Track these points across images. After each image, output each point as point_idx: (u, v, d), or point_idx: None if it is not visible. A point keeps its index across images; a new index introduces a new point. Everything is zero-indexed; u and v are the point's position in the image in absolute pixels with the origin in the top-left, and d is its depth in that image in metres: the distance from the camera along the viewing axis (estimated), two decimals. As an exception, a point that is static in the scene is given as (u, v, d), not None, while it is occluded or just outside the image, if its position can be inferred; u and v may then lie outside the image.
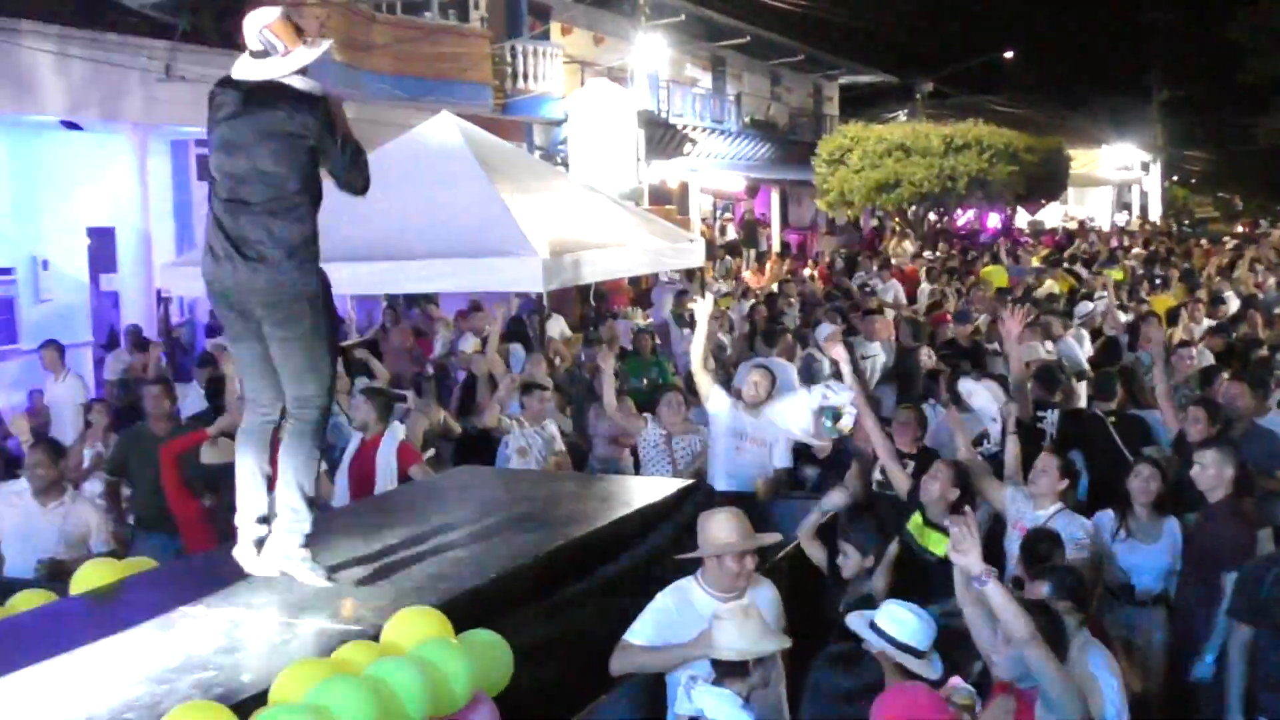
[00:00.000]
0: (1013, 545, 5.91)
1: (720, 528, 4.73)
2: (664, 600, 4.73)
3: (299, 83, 4.31)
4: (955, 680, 4.15)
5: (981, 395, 6.93)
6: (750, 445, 7.38)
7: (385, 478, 7.44)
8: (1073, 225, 40.95)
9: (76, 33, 13.79)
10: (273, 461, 4.53)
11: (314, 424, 4.49)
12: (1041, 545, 5.45)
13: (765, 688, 4.33)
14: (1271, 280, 17.78)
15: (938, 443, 7.46)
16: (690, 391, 8.13)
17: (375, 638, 3.81)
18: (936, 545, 5.75)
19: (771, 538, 5.03)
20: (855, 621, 4.50)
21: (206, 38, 15.82)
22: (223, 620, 4.15)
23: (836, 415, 6.68)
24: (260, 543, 4.49)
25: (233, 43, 16.31)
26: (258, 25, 4.24)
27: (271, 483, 4.52)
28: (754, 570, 4.77)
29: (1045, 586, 4.79)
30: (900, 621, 4.41)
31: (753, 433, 7.40)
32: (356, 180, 4.47)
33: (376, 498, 6.97)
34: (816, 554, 5.96)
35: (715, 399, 7.47)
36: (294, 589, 4.38)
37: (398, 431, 7.75)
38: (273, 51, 4.25)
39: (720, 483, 7.05)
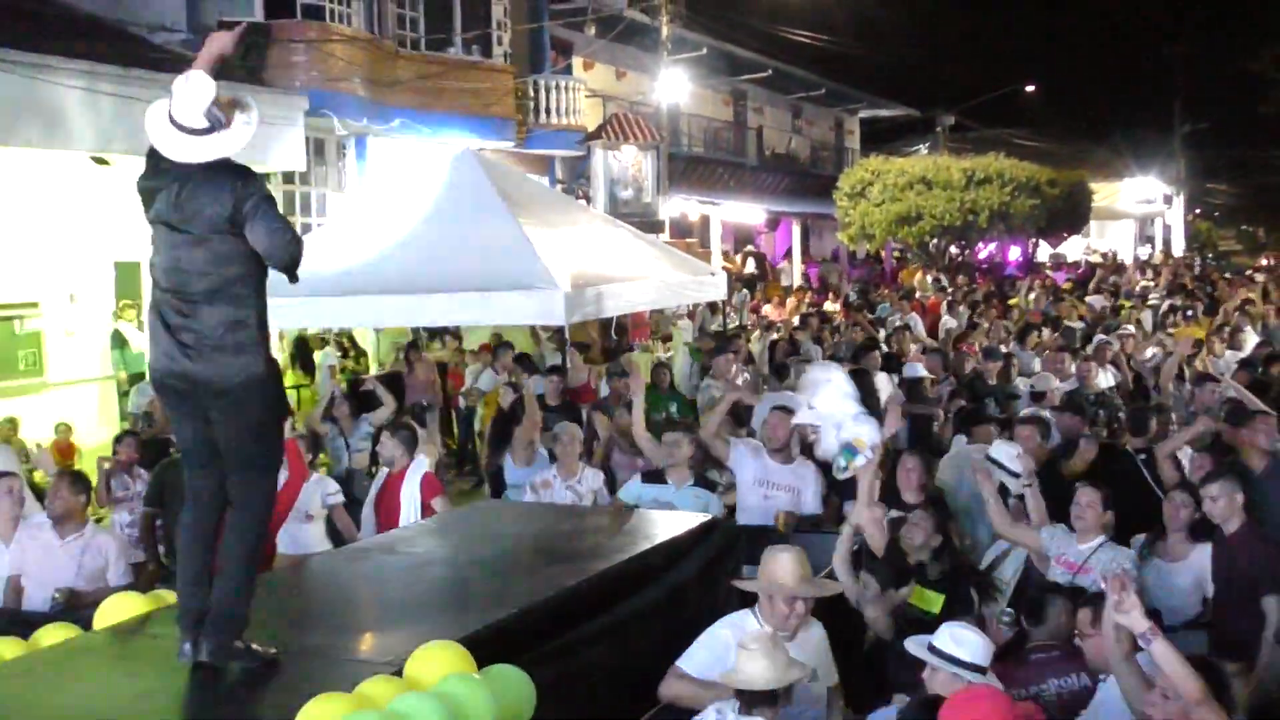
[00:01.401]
0: (1057, 578, 5.94)
1: (779, 567, 4.77)
2: (720, 630, 4.78)
3: (234, 158, 4.01)
4: None
5: (1001, 449, 6.93)
6: (778, 492, 7.29)
7: (410, 510, 7.48)
8: (1096, 259, 40.82)
9: (104, 69, 13.95)
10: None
11: (259, 513, 4.21)
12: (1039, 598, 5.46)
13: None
14: None
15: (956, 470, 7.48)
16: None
17: (398, 672, 3.81)
18: (934, 603, 5.72)
19: (832, 587, 5.06)
20: (913, 645, 4.46)
21: (233, 74, 16.03)
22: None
23: (853, 453, 6.53)
24: (196, 643, 4.08)
25: (257, 78, 16.55)
26: (205, 101, 3.91)
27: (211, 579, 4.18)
28: (805, 613, 4.79)
29: (1090, 614, 4.81)
30: (963, 641, 4.35)
31: (778, 480, 7.31)
32: (288, 253, 4.04)
33: (400, 531, 6.97)
34: (845, 577, 5.86)
35: (736, 456, 7.39)
36: (316, 622, 4.38)
37: (422, 464, 7.79)
38: (219, 126, 3.94)
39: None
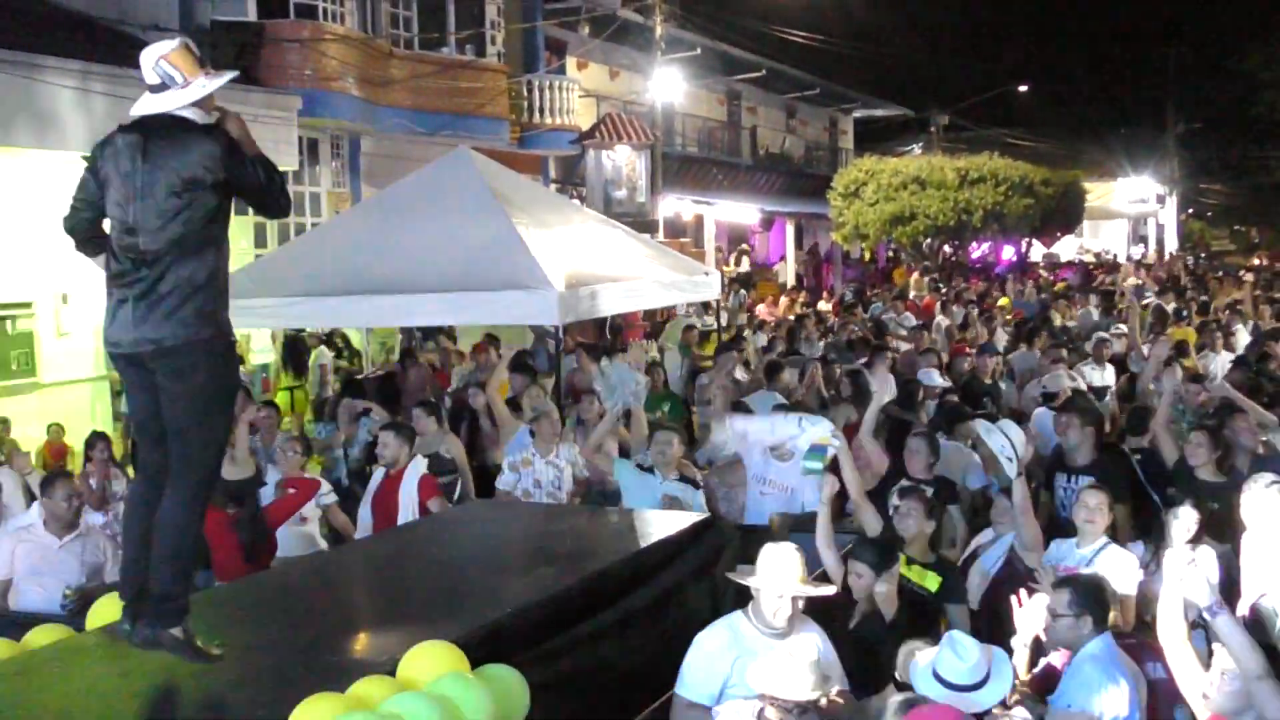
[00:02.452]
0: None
1: (774, 563, 4.77)
2: (710, 639, 4.75)
3: (195, 115, 4.00)
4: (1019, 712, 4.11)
5: (998, 436, 6.89)
6: (774, 490, 7.39)
7: (407, 510, 7.49)
8: (1090, 258, 40.90)
9: (97, 68, 13.92)
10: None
11: (196, 489, 4.07)
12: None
13: None
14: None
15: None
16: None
17: (392, 672, 3.80)
18: (931, 581, 5.77)
19: (825, 590, 5.06)
20: (915, 674, 4.38)
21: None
22: (239, 653, 4.15)
23: (820, 450, 6.62)
24: (134, 621, 4.06)
25: (252, 78, 16.52)
26: (154, 56, 3.96)
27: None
28: (798, 612, 4.80)
29: (1064, 593, 4.77)
30: (954, 670, 4.24)
31: (777, 478, 7.40)
32: (273, 203, 4.14)
33: (395, 530, 6.97)
34: (831, 562, 5.85)
35: (746, 450, 7.56)
36: (310, 622, 4.37)
37: (420, 464, 7.78)
38: (171, 84, 3.96)
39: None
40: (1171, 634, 4.41)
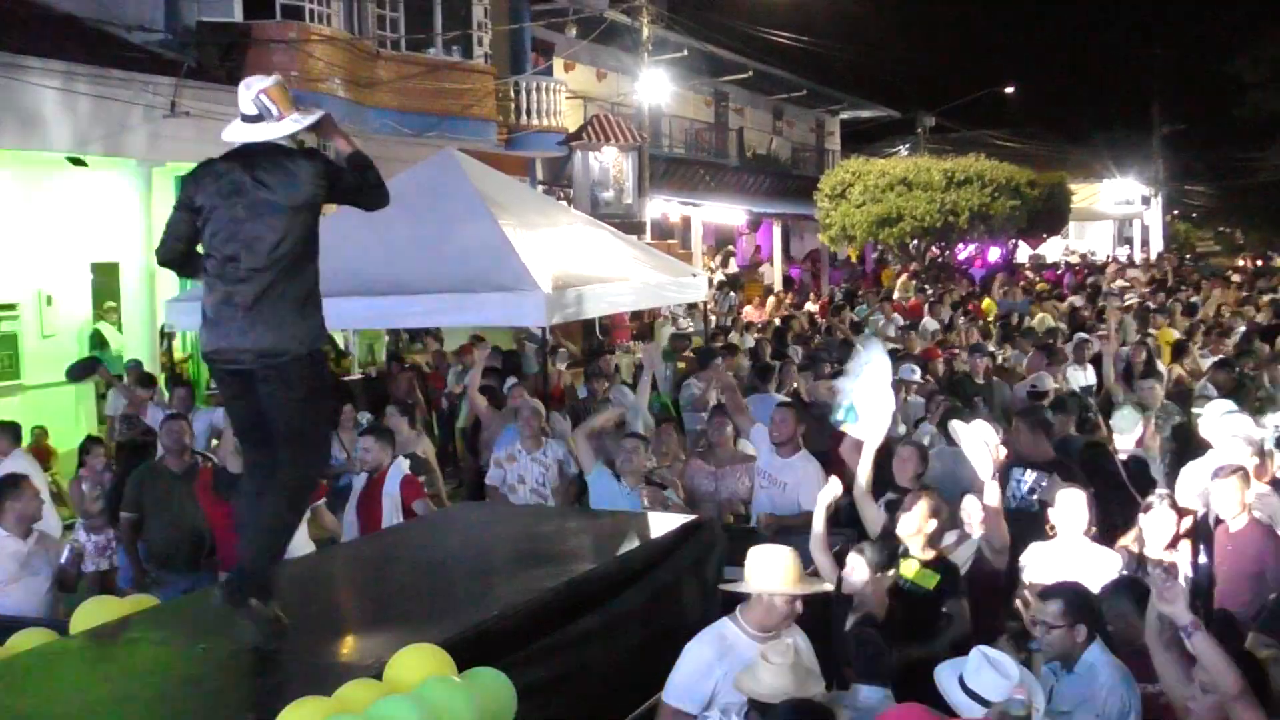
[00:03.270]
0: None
1: (774, 566, 4.74)
2: (699, 649, 4.73)
3: (290, 142, 4.38)
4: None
5: (971, 435, 6.89)
6: (770, 485, 7.53)
7: (391, 512, 7.48)
8: (1075, 259, 41.01)
9: (82, 69, 13.86)
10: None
11: (297, 490, 4.45)
12: None
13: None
14: None
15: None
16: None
17: (378, 675, 3.78)
18: (929, 580, 5.75)
19: (821, 585, 5.07)
20: (947, 683, 4.30)
21: (211, 74, 15.92)
22: (225, 657, 4.13)
23: (855, 415, 6.61)
24: (226, 584, 4.41)
25: (237, 79, 16.48)
26: (255, 89, 4.29)
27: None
28: (793, 613, 4.80)
29: (1054, 605, 4.76)
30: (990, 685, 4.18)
31: (776, 473, 7.52)
32: (376, 198, 4.55)
33: (381, 533, 6.96)
34: (824, 562, 5.87)
35: (754, 434, 7.91)
36: (296, 626, 4.35)
37: (402, 465, 7.79)
38: (267, 116, 4.29)
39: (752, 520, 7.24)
40: (1154, 643, 4.40)
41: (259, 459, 4.44)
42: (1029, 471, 7.18)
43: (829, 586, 5.27)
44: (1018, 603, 5.14)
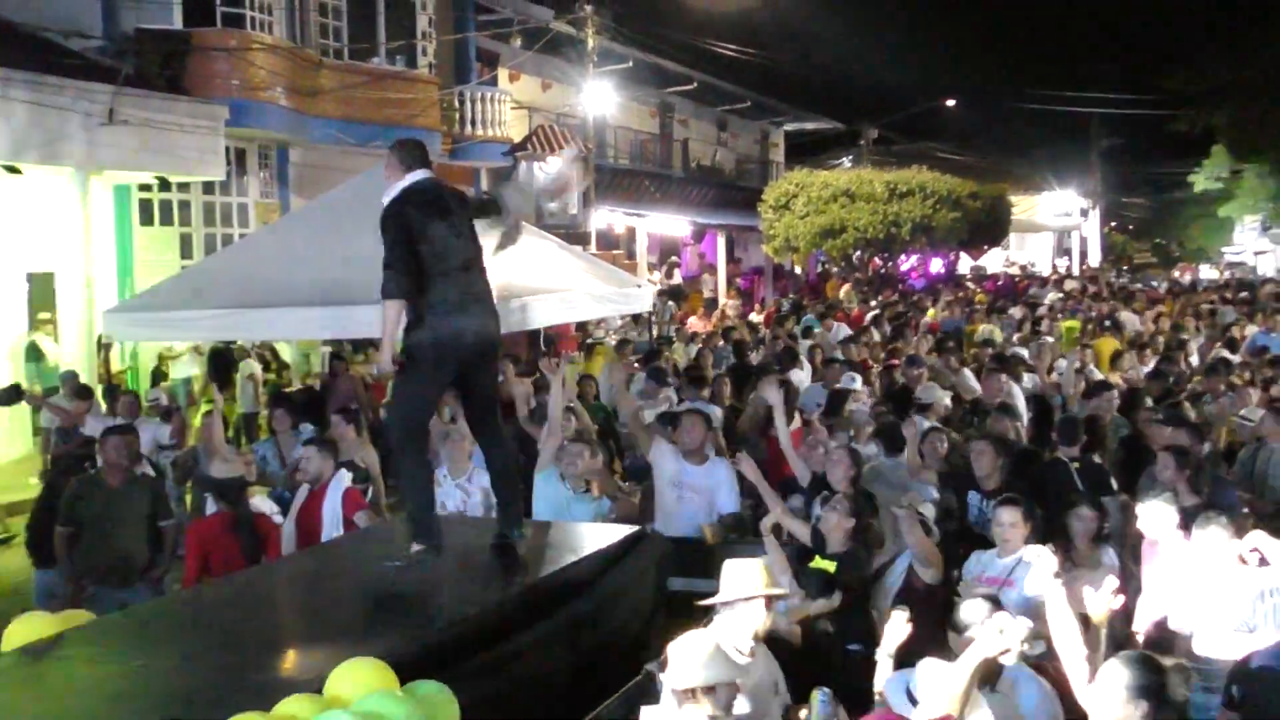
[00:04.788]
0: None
1: (748, 576, 4.77)
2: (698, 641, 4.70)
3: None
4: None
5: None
6: (689, 494, 7.45)
7: (332, 525, 7.37)
8: (1015, 271, 41.54)
9: (18, 75, 13.65)
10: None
11: (510, 439, 6.20)
12: None
13: (728, 714, 4.28)
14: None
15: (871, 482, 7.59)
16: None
17: (319, 690, 3.74)
18: (829, 565, 6.02)
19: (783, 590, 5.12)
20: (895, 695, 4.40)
21: (150, 82, 15.72)
22: (162, 673, 4.07)
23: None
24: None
25: (177, 87, 16.28)
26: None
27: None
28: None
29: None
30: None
31: (692, 481, 7.46)
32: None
33: (322, 545, 6.88)
34: (789, 581, 5.92)
35: (656, 453, 7.63)
36: (235, 640, 4.29)
37: (344, 478, 7.67)
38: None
39: (665, 531, 7.05)
40: (1066, 650, 4.43)
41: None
42: (980, 497, 7.38)
43: (785, 591, 5.32)
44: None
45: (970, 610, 4.80)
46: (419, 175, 5.48)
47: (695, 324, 23.56)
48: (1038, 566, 5.88)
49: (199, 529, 7.43)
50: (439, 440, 8.47)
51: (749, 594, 4.74)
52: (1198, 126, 35.78)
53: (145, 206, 17.52)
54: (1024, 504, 6.30)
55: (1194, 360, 14.36)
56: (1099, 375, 12.34)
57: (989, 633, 3.82)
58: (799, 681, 4.83)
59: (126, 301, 13.82)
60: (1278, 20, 34.55)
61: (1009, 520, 6.18)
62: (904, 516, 6.08)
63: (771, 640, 5.08)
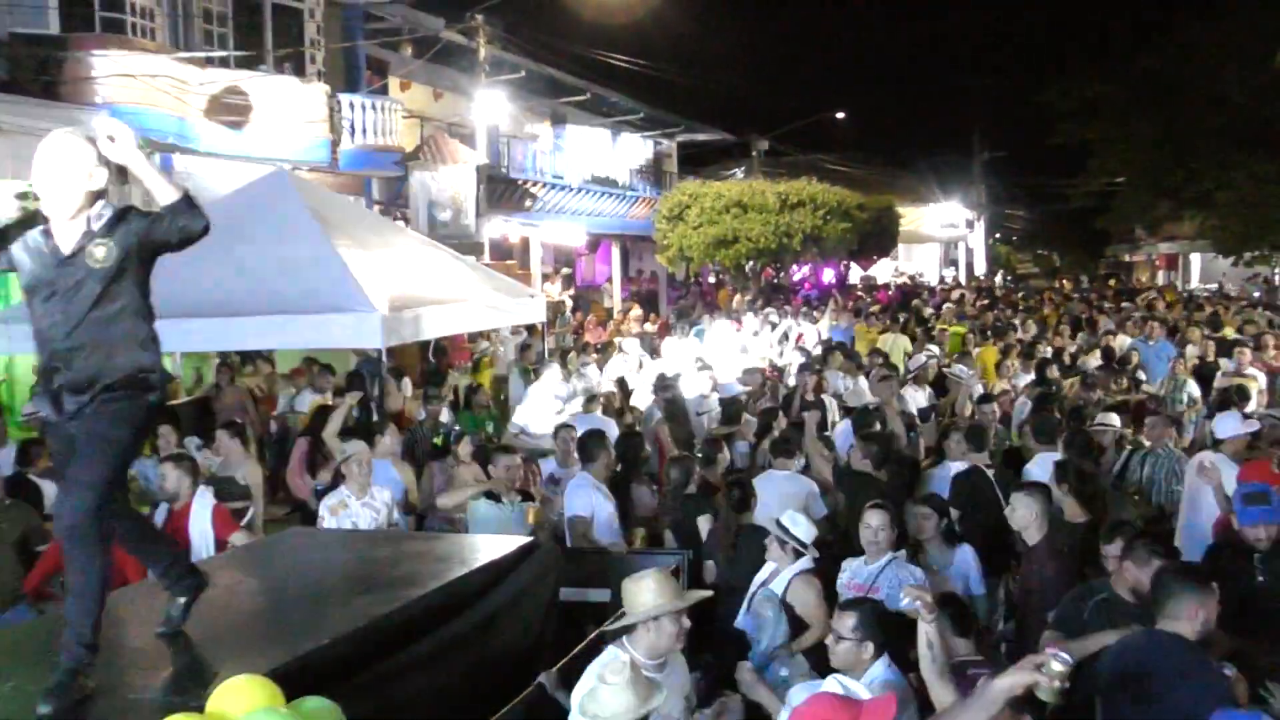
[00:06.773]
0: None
1: (653, 591, 4.73)
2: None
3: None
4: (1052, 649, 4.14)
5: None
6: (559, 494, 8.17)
7: (201, 546, 7.09)
8: (903, 280, 42.32)
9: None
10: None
11: None
12: None
13: None
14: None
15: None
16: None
17: (200, 708, 3.66)
18: None
19: (700, 594, 5.13)
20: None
21: (25, 89, 15.25)
22: (35, 695, 3.94)
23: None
24: None
25: (53, 94, 15.80)
26: None
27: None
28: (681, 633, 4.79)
29: (850, 619, 4.88)
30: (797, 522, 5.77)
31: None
32: (193, 229, 4.40)
33: (204, 562, 6.71)
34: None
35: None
36: (113, 661, 4.19)
37: (207, 496, 7.40)
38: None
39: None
40: (926, 666, 4.41)
41: None
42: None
43: (707, 594, 5.35)
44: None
45: (839, 622, 4.89)
46: None
47: (590, 334, 23.61)
48: (901, 575, 6.02)
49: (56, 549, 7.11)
50: (341, 463, 8.42)
51: (653, 614, 4.73)
52: (1074, 140, 36.81)
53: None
54: (891, 509, 6.42)
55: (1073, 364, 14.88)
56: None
57: (1027, 667, 3.82)
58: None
59: (3, 311, 13.39)
60: (1144, 37, 35.77)
61: (876, 523, 6.28)
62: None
63: None
